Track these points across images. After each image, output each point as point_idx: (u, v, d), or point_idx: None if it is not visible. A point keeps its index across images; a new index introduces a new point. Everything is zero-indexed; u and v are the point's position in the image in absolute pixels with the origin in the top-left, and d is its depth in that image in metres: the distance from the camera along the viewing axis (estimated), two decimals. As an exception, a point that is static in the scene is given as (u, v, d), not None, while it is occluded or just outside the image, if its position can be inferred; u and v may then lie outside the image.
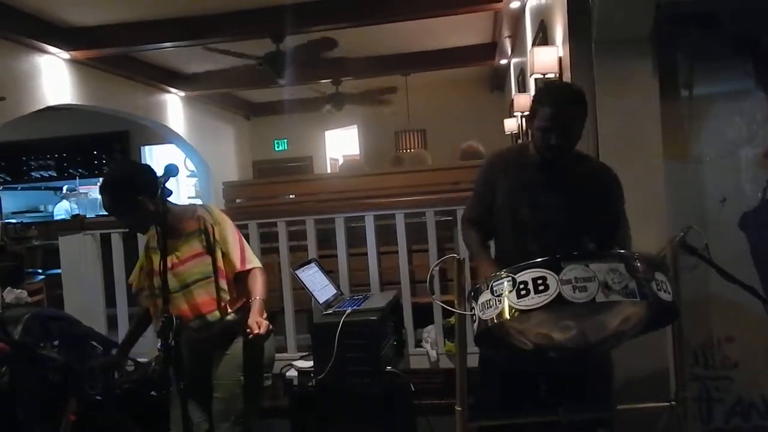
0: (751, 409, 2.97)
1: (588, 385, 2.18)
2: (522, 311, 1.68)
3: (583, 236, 2.16)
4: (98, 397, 2.77)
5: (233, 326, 2.48)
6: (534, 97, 2.24)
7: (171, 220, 2.37)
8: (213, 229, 2.45)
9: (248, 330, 2.31)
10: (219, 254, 2.44)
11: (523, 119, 5.86)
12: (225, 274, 2.44)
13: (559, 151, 2.17)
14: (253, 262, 2.51)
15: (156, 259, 2.35)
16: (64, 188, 10.00)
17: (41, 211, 10.54)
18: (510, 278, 1.70)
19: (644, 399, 2.07)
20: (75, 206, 9.84)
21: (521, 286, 1.67)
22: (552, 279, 1.64)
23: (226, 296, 2.44)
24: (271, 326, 2.36)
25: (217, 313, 2.42)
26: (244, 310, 2.45)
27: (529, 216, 2.21)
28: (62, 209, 9.72)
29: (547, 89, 2.31)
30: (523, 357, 1.97)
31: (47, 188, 10.82)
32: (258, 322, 2.32)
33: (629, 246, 2.22)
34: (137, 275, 2.58)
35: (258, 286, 2.45)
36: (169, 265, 2.33)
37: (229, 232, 2.48)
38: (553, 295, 1.63)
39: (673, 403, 1.95)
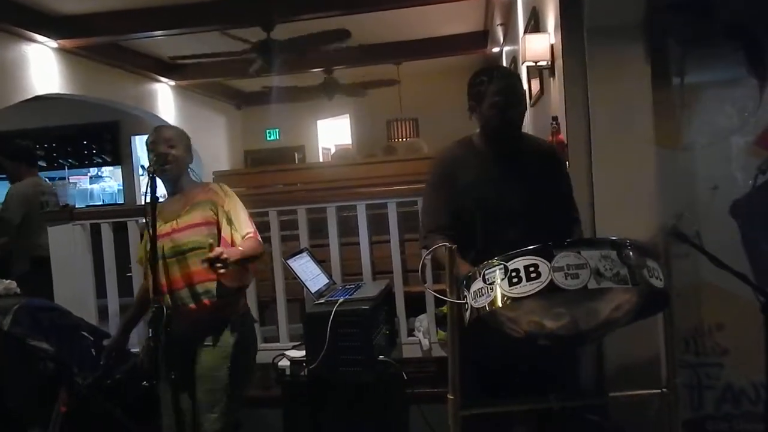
0: (742, 396, 2.99)
1: (573, 374, 2.18)
2: (514, 299, 1.67)
3: (547, 215, 2.17)
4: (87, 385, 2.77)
5: (222, 313, 2.46)
6: (472, 82, 2.24)
7: (182, 186, 2.47)
8: (224, 201, 2.47)
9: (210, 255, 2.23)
10: (225, 225, 2.43)
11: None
12: (232, 244, 2.41)
13: (516, 124, 2.19)
14: (253, 229, 2.51)
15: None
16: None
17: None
18: (502, 266, 1.69)
19: (635, 386, 2.07)
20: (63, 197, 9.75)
21: (513, 274, 1.66)
22: (544, 266, 1.64)
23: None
24: (227, 257, 2.22)
25: (208, 285, 2.38)
26: (237, 296, 2.49)
27: (495, 207, 2.19)
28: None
29: (486, 70, 2.30)
30: (509, 349, 1.97)
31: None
32: (215, 253, 2.22)
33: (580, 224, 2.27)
34: (144, 250, 2.53)
35: (246, 244, 2.42)
36: (168, 229, 2.38)
37: (239, 205, 2.52)
38: (545, 283, 1.63)
39: (663, 390, 1.95)
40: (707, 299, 2.95)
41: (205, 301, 2.39)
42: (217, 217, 2.44)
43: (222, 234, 2.42)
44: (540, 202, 2.20)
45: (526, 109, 2.26)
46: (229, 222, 2.44)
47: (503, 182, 2.21)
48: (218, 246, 2.35)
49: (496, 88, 2.16)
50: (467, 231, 2.20)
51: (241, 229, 2.45)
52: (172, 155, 2.41)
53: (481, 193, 2.21)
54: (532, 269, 1.65)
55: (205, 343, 2.43)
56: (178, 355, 2.35)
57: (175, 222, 2.42)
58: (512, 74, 2.25)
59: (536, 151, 2.33)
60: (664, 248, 1.90)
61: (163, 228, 2.40)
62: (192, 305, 2.38)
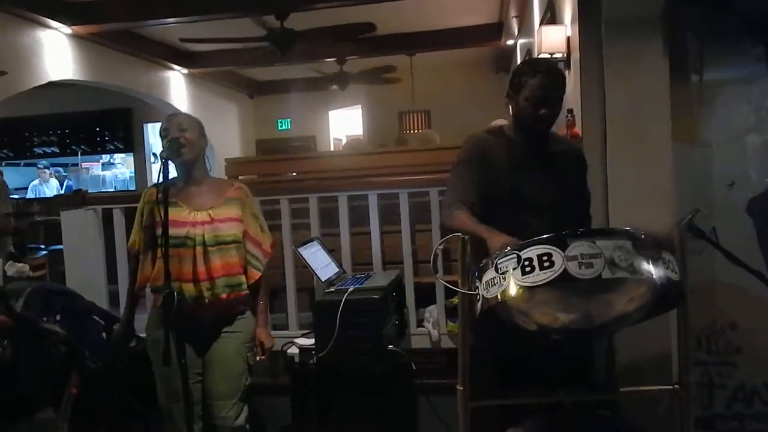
0: (754, 396, 2.96)
1: (587, 368, 2.16)
2: (527, 288, 1.65)
3: (570, 212, 2.18)
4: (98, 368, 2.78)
5: (243, 302, 2.52)
6: (516, 71, 2.23)
7: (200, 174, 2.49)
8: (252, 205, 2.60)
9: (256, 350, 2.55)
10: (258, 230, 2.57)
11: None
12: (262, 247, 2.56)
13: (548, 122, 2.18)
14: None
15: (157, 211, 2.35)
16: (40, 165, 9.52)
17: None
18: (515, 255, 1.67)
19: (647, 382, 2.06)
20: (61, 183, 9.64)
21: (526, 263, 1.64)
22: (558, 255, 1.61)
23: (256, 262, 2.52)
24: (271, 344, 2.64)
25: (240, 278, 2.47)
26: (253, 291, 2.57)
27: (519, 196, 2.19)
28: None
29: (533, 62, 2.33)
30: (520, 342, 1.96)
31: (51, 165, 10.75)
32: (266, 345, 2.56)
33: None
34: (139, 235, 2.52)
35: (265, 296, 2.63)
36: (207, 218, 2.41)
37: (262, 217, 2.66)
38: (559, 272, 1.60)
39: (676, 386, 1.93)
40: (721, 297, 2.91)
41: (239, 293, 2.47)
42: (243, 216, 2.52)
43: (254, 236, 2.54)
44: (563, 197, 2.20)
45: (561, 109, 2.24)
46: (261, 229, 2.59)
47: (530, 173, 2.20)
48: (245, 243, 2.51)
49: (537, 84, 2.13)
50: (490, 218, 2.15)
51: (268, 241, 2.61)
52: (185, 138, 2.40)
53: (507, 181, 2.20)
54: (545, 258, 1.62)
55: (227, 330, 2.49)
56: (191, 341, 2.36)
57: (212, 211, 2.43)
58: (557, 73, 2.21)
59: (564, 149, 2.33)
60: (680, 244, 1.88)
61: (197, 215, 2.40)
62: (223, 295, 2.42)
